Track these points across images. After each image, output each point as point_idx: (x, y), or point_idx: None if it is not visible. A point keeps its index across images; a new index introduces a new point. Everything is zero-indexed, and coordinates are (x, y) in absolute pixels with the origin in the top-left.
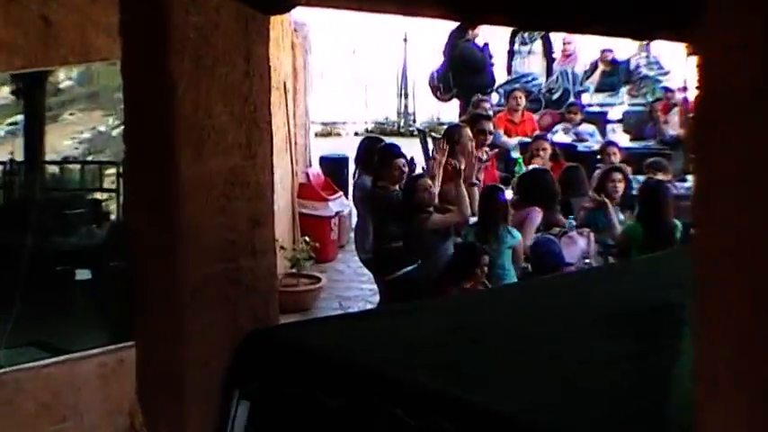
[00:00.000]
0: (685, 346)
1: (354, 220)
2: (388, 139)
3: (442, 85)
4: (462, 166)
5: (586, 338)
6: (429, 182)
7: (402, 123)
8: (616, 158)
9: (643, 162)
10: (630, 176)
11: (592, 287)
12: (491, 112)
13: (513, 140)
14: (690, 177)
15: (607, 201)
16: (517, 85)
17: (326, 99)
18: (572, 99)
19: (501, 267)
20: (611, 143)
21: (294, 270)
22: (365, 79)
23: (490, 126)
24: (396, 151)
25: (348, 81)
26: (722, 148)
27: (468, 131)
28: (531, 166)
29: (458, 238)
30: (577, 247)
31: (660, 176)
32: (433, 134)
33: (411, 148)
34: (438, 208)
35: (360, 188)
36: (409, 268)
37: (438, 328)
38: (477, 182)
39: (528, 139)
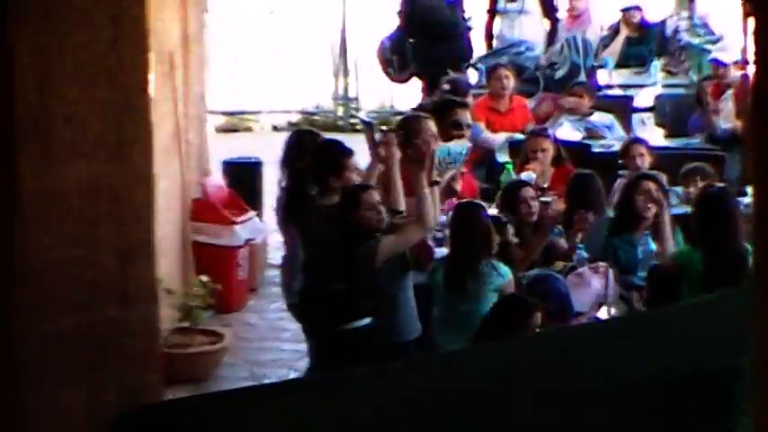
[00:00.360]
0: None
1: (273, 251)
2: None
3: (397, 59)
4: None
5: (599, 423)
6: (376, 196)
7: (340, 113)
8: (644, 162)
9: (681, 168)
10: (667, 188)
11: (608, 347)
12: (468, 98)
13: (499, 137)
14: (750, 189)
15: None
16: (504, 59)
17: (232, 79)
18: (582, 77)
19: (481, 318)
20: (638, 140)
21: (186, 324)
22: (287, 51)
23: (466, 117)
24: (345, 149)
25: (263, 54)
26: None
27: (432, 124)
28: (524, 174)
29: (419, 273)
30: (591, 288)
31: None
32: (384, 128)
33: (353, 146)
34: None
35: (288, 205)
36: (364, 321)
37: (386, 404)
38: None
39: (520, 136)
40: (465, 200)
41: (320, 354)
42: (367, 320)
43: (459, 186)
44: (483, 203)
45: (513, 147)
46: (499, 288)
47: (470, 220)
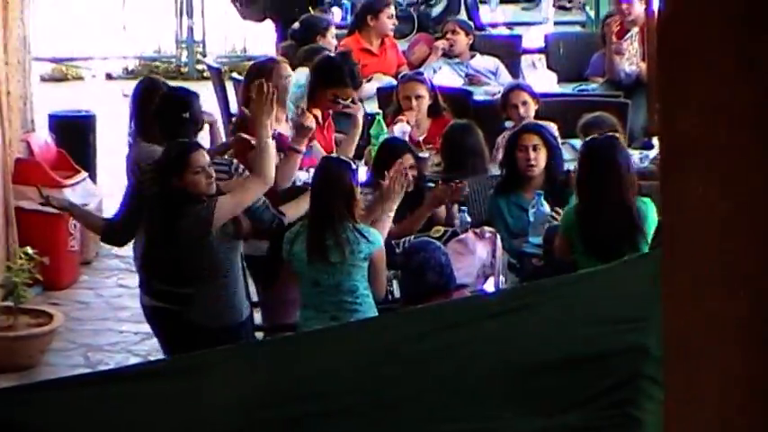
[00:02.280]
0: (646, 414)
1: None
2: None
3: None
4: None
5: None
6: (204, 156)
7: (185, 58)
8: (528, 111)
9: (578, 120)
10: (558, 140)
11: (495, 323)
12: (331, 39)
13: (369, 84)
14: (656, 143)
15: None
16: None
17: (59, 21)
18: (462, 15)
19: (350, 292)
20: (519, 86)
21: (9, 303)
22: None
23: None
24: (193, 99)
25: None
26: (697, 93)
27: (287, 68)
28: (397, 126)
29: (260, 244)
30: (474, 257)
31: None
32: (235, 75)
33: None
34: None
35: (140, 159)
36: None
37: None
38: (304, 149)
39: (391, 81)
40: (331, 156)
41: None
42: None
43: (310, 122)
44: (348, 159)
45: (384, 94)
46: (368, 256)
47: (333, 179)
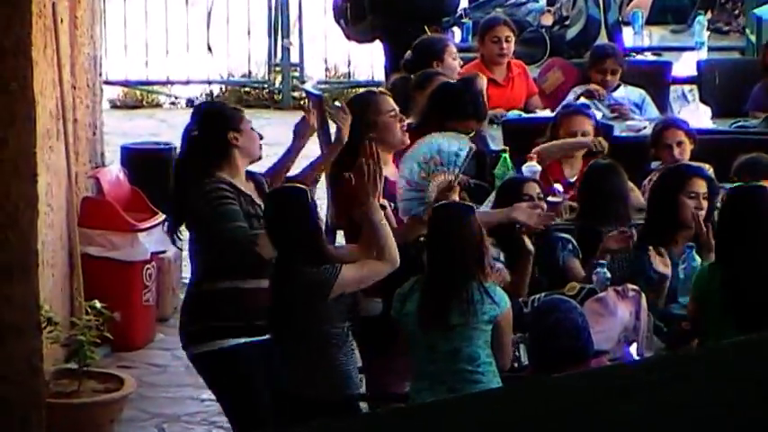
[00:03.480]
0: None
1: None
2: (252, 114)
3: (351, 6)
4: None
5: None
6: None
7: (278, 84)
8: (684, 153)
9: (735, 160)
10: (716, 185)
11: (643, 397)
12: (452, 61)
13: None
14: None
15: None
16: (498, 11)
17: (133, 40)
18: (603, 39)
19: (471, 359)
20: (675, 123)
21: (73, 365)
22: (206, 2)
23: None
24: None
25: (174, 6)
26: None
27: (392, 102)
28: (527, 166)
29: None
30: (615, 319)
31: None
32: (337, 104)
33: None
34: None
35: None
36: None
37: None
38: (387, 203)
39: (519, 114)
40: (447, 201)
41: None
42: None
43: (456, 199)
44: (472, 205)
45: (511, 127)
46: (493, 320)
47: (455, 228)
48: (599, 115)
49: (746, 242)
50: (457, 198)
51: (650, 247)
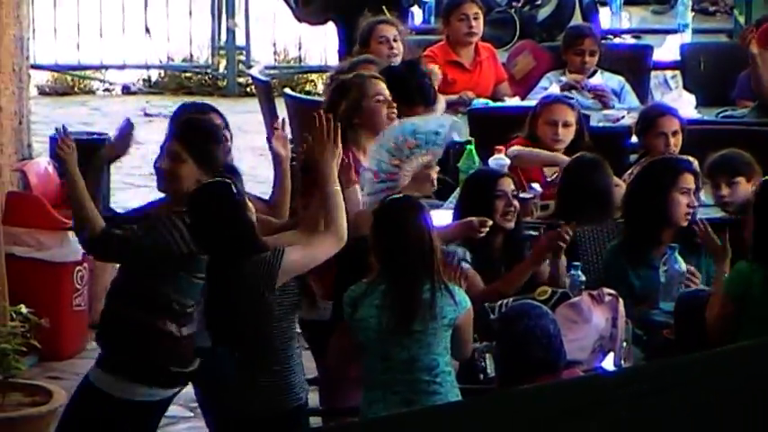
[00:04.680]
0: None
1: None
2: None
3: None
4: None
5: None
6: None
7: (222, 69)
8: (677, 144)
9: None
10: (700, 182)
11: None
12: (380, 47)
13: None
14: None
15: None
16: None
17: (64, 21)
18: (577, 20)
19: (428, 369)
20: (669, 111)
21: None
22: None
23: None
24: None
25: None
26: None
27: (380, 86)
28: (493, 159)
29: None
30: (590, 326)
31: (742, 186)
32: (287, 91)
33: (241, 117)
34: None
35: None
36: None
37: None
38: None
39: (486, 102)
40: (396, 197)
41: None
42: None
43: (434, 179)
44: (422, 202)
45: (477, 116)
46: (453, 322)
47: (405, 225)
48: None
49: None
50: (435, 178)
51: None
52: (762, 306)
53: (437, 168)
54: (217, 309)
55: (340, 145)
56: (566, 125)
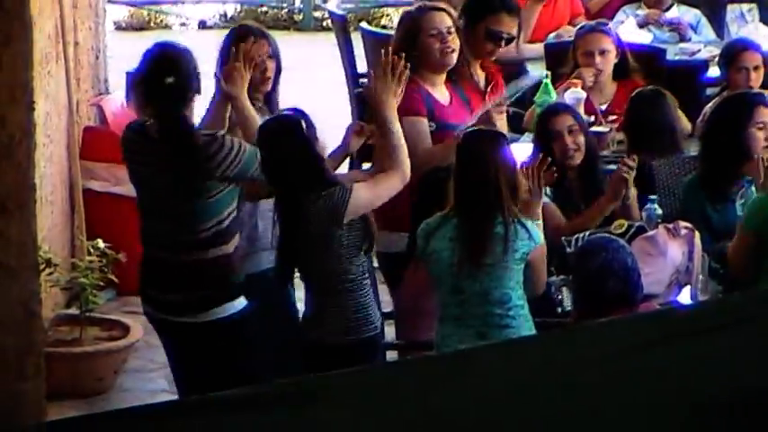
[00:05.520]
0: None
1: None
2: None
3: None
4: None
5: None
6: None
7: (298, 3)
8: (759, 80)
9: None
10: None
11: (697, 346)
12: None
13: (533, 45)
14: None
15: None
16: None
17: None
18: None
19: (501, 302)
20: (751, 46)
21: (74, 311)
22: None
23: (511, 26)
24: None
25: None
26: None
27: (437, 20)
28: (569, 92)
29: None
30: (666, 259)
31: None
32: (364, 25)
33: (318, 51)
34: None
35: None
36: (240, 305)
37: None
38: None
39: (565, 36)
40: (478, 128)
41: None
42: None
43: (500, 121)
44: (505, 134)
45: (554, 50)
46: (525, 257)
47: (485, 156)
48: (649, 36)
49: None
50: (499, 121)
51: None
52: None
53: (504, 111)
54: (289, 242)
55: (402, 85)
56: (602, 53)
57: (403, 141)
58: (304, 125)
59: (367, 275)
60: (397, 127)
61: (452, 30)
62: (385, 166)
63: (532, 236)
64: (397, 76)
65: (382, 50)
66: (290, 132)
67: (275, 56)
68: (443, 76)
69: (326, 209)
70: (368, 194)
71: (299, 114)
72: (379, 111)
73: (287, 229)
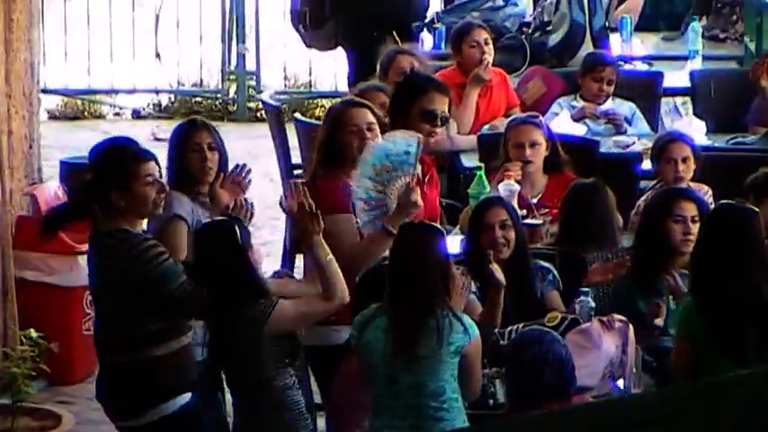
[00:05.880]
0: None
1: None
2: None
3: (311, 11)
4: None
5: None
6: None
7: (233, 94)
8: (688, 171)
9: (742, 180)
10: (708, 208)
11: None
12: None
13: (466, 136)
14: None
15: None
16: (475, 15)
17: (75, 45)
18: (588, 47)
19: (435, 395)
20: (681, 138)
21: (6, 400)
22: (154, 5)
23: (444, 105)
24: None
25: (118, 10)
26: None
27: (356, 112)
28: (502, 185)
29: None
30: (600, 352)
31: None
32: (298, 116)
33: (251, 142)
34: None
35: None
36: (184, 400)
37: None
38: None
39: (500, 128)
40: (416, 221)
41: None
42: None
43: (418, 199)
44: (441, 228)
45: (487, 142)
46: (461, 350)
47: (422, 251)
48: (584, 130)
49: (734, 265)
50: (419, 197)
51: (668, 277)
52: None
53: (418, 190)
54: (218, 350)
55: (321, 222)
56: (532, 145)
57: (336, 269)
58: (238, 232)
59: (296, 389)
60: (328, 258)
61: (373, 126)
62: (322, 293)
63: (467, 330)
64: (312, 213)
65: (293, 185)
66: (228, 238)
67: (218, 148)
68: None
69: (250, 320)
70: (294, 315)
71: (234, 221)
72: (309, 248)
73: (213, 334)
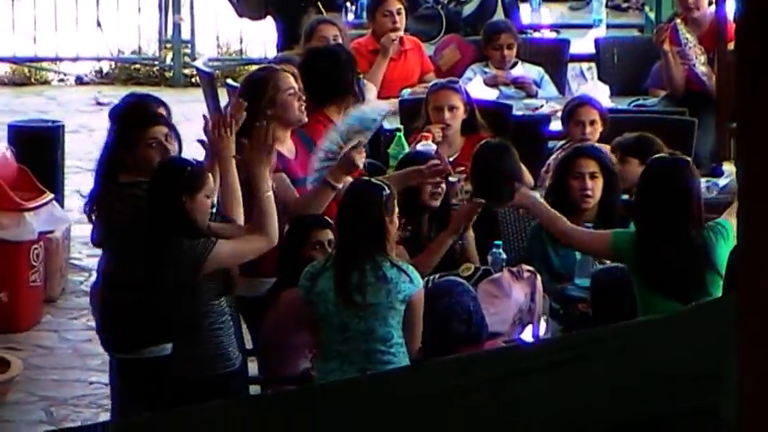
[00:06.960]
0: None
1: (78, 247)
2: (143, 91)
3: None
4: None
5: None
6: (209, 180)
7: (169, 61)
8: (595, 133)
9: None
10: (611, 164)
11: (536, 380)
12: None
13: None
14: (727, 170)
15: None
16: None
17: (22, 16)
18: (500, 16)
19: (383, 340)
20: (589, 101)
21: None
22: None
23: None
24: (151, 111)
25: None
26: None
27: (291, 80)
28: (420, 144)
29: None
30: (510, 300)
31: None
32: (229, 81)
33: (186, 106)
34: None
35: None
36: (162, 347)
37: None
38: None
39: (416, 92)
40: (360, 178)
41: (121, 387)
42: (168, 348)
43: (359, 163)
44: (383, 185)
45: (407, 106)
46: (407, 299)
47: (361, 205)
48: (494, 94)
49: (668, 211)
50: (361, 162)
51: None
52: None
53: (363, 151)
54: (152, 284)
55: (274, 151)
56: (451, 109)
57: (273, 207)
58: (189, 173)
59: (224, 317)
60: (268, 194)
61: (302, 88)
62: (255, 228)
63: (413, 279)
64: (267, 145)
65: (257, 122)
66: (178, 175)
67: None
68: (289, 132)
69: (187, 257)
70: (230, 252)
71: (188, 163)
72: (253, 178)
73: (150, 269)
